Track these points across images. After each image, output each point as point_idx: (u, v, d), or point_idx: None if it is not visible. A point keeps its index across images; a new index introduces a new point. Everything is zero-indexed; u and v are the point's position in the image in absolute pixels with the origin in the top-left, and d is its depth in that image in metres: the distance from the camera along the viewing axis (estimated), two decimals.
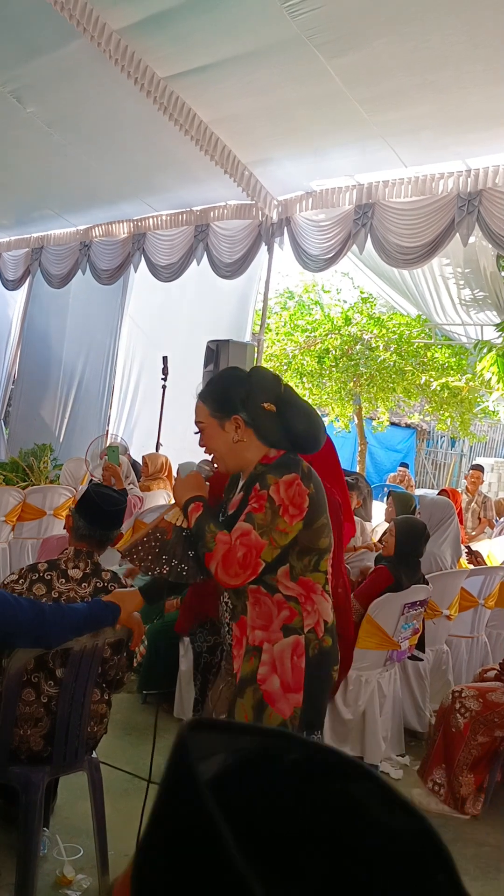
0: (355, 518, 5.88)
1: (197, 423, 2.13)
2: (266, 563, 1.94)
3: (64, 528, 6.13)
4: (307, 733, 2.05)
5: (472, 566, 4.89)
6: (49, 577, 2.59)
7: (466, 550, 4.91)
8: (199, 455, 7.10)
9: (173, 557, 2.05)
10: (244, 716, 1.93)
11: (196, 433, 2.18)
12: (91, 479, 7.46)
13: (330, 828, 0.47)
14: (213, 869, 0.45)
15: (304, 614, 2.00)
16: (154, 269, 8.19)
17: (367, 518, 6.46)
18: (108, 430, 8.91)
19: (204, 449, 2.20)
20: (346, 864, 0.46)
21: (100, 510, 2.69)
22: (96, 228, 8.89)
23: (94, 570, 2.67)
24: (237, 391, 2.08)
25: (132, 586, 2.52)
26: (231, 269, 7.46)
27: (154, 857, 0.51)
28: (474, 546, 6.11)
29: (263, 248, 7.34)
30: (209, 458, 2.19)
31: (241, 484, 2.11)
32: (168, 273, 8.04)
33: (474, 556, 4.90)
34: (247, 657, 1.96)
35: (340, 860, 0.46)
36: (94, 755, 2.74)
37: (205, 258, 7.67)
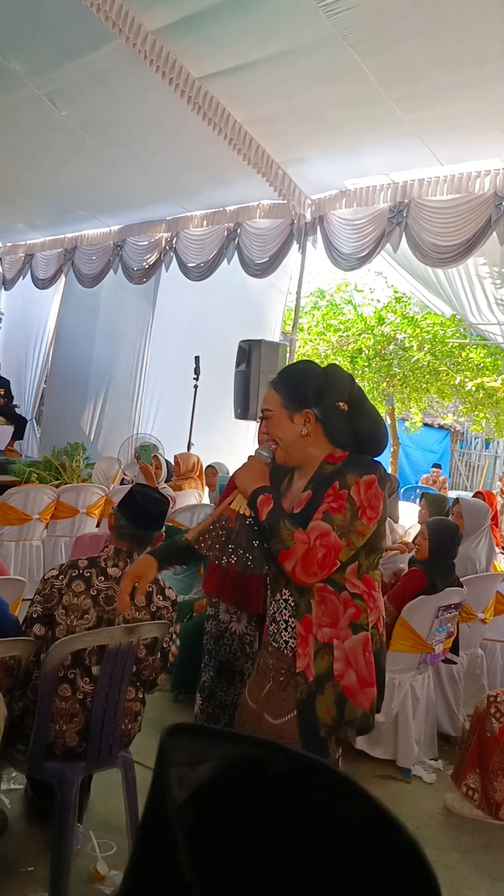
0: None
1: (265, 410, 2.10)
2: (340, 562, 1.95)
3: (96, 525, 6.20)
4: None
5: None
6: (89, 574, 2.61)
7: (503, 552, 4.86)
8: (226, 456, 7.11)
9: (239, 547, 2.06)
10: (326, 711, 1.96)
11: (260, 419, 2.15)
12: (123, 478, 7.51)
13: (311, 840, 0.46)
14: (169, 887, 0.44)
15: (368, 611, 2.02)
16: (185, 269, 8.21)
17: (395, 519, 6.42)
18: (136, 433, 8.96)
19: (266, 437, 2.18)
20: (325, 878, 0.45)
21: (143, 511, 2.71)
22: (130, 229, 8.94)
23: None
24: (313, 386, 2.05)
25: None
26: (261, 268, 7.45)
27: (126, 878, 0.52)
28: None
29: (295, 246, 7.32)
30: (250, 446, 2.19)
31: (304, 482, 2.08)
32: (198, 272, 8.06)
33: None
34: (318, 655, 1.97)
35: (319, 873, 0.45)
36: (128, 753, 2.75)
37: (235, 257, 7.67)
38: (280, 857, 0.46)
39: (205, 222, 8.06)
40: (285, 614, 2.07)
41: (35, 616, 2.59)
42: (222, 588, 3.35)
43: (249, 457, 2.15)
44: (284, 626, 2.07)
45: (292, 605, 2.04)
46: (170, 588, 2.80)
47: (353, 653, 1.97)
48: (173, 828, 0.45)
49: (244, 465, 2.14)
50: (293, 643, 2.02)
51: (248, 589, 3.32)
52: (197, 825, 0.46)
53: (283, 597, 2.07)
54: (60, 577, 2.60)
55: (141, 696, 2.75)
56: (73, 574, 2.60)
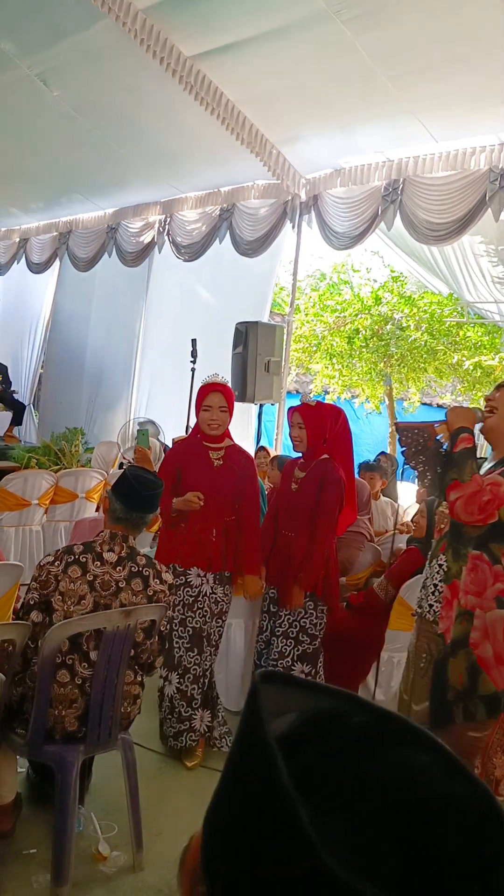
0: (384, 498, 5.87)
1: (488, 399, 2.43)
2: (500, 520, 2.11)
3: (96, 510, 6.20)
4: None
5: None
6: (84, 559, 2.61)
7: None
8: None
9: (427, 461, 2.40)
10: (458, 676, 2.04)
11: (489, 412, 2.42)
12: (122, 462, 7.51)
13: (390, 788, 0.48)
14: (271, 809, 0.47)
15: None
16: (177, 249, 8.15)
17: (395, 498, 6.42)
18: (132, 418, 8.94)
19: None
20: (401, 819, 0.47)
21: (136, 493, 2.69)
22: (124, 211, 8.88)
23: (129, 553, 2.69)
24: None
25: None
26: (252, 247, 7.38)
27: (222, 799, 0.54)
28: None
29: (289, 226, 7.27)
30: None
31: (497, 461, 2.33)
32: (190, 252, 8.00)
33: None
34: (458, 620, 2.05)
35: (397, 817, 0.47)
36: (127, 735, 2.77)
37: (227, 237, 7.62)
38: (364, 790, 0.48)
39: (199, 203, 8.00)
40: (436, 579, 2.20)
41: (32, 603, 2.60)
42: (182, 552, 3.46)
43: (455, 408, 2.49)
44: (433, 590, 2.22)
45: (445, 569, 2.15)
46: (166, 571, 2.80)
47: (493, 626, 2.04)
48: (272, 747, 0.48)
49: (458, 407, 2.50)
50: (437, 607, 2.12)
51: (208, 550, 3.46)
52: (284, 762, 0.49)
53: (439, 562, 2.23)
54: (56, 563, 2.60)
55: (140, 679, 2.76)
56: (69, 560, 2.60)
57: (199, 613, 3.48)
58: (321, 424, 3.57)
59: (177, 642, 3.48)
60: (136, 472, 2.81)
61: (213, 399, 3.51)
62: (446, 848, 0.46)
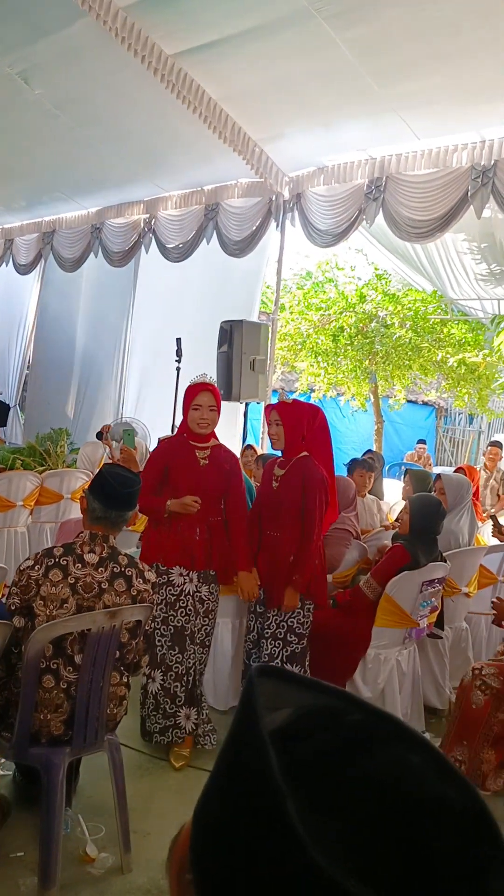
0: (370, 496, 5.88)
1: None
2: None
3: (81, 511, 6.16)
4: None
5: (497, 540, 4.85)
6: (65, 562, 2.57)
7: (494, 524, 4.88)
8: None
9: None
10: None
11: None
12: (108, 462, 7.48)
13: (383, 788, 0.48)
14: (260, 803, 0.47)
15: None
16: (164, 250, 8.14)
17: (380, 496, 6.44)
18: (122, 415, 8.90)
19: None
20: (394, 819, 0.47)
21: (115, 492, 2.67)
22: (108, 211, 8.85)
23: (110, 554, 2.66)
24: None
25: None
26: (239, 247, 7.39)
27: (212, 792, 0.54)
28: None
29: (275, 225, 7.27)
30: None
31: None
32: (178, 253, 7.99)
33: (501, 531, 4.84)
34: None
35: (390, 818, 0.47)
36: (114, 736, 2.76)
37: (214, 237, 7.61)
38: (358, 789, 0.48)
39: (182, 202, 7.98)
40: None
41: (13, 608, 2.56)
42: (166, 551, 3.46)
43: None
44: None
45: None
46: (149, 570, 2.78)
47: None
48: (265, 741, 0.48)
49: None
50: None
51: (192, 549, 3.46)
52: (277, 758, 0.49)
53: None
54: (36, 567, 2.56)
55: (126, 680, 2.75)
56: (49, 563, 2.56)
57: (182, 612, 3.47)
58: (298, 422, 3.58)
59: (159, 640, 3.47)
60: (114, 471, 2.78)
61: (202, 398, 3.51)
62: (438, 849, 0.46)
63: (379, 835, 0.46)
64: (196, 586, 3.51)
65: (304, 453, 3.59)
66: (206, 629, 3.61)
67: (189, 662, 3.51)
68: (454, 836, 0.46)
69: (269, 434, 3.69)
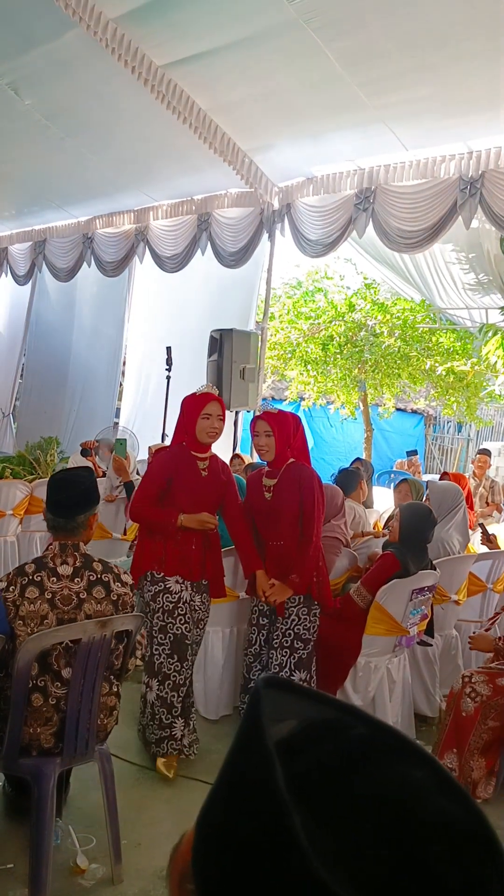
0: (349, 503, 5.89)
1: None
2: None
3: None
4: None
5: (486, 547, 4.87)
6: (39, 578, 2.51)
7: (482, 531, 4.90)
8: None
9: None
10: None
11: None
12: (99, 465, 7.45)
13: (385, 805, 0.48)
14: (265, 814, 0.47)
15: None
16: (159, 260, 8.15)
17: (370, 504, 6.44)
18: (116, 423, 8.90)
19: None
20: (394, 833, 0.47)
21: (63, 499, 2.61)
22: (98, 220, 8.87)
23: (84, 562, 2.60)
24: None
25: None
26: (235, 258, 7.42)
27: (216, 801, 0.54)
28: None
29: (266, 235, 7.30)
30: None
31: None
32: (173, 264, 8.00)
33: (489, 538, 4.87)
34: None
35: (393, 835, 0.47)
36: (104, 746, 2.74)
37: (209, 247, 7.63)
38: (362, 805, 0.48)
39: (172, 212, 8.01)
40: None
41: None
42: (164, 562, 3.43)
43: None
44: None
45: None
46: (125, 573, 2.74)
47: None
48: (271, 753, 0.49)
49: (474, 641, 2.74)
50: None
51: (190, 560, 3.46)
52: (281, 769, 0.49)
53: None
54: (11, 589, 2.48)
55: (116, 689, 2.73)
56: (23, 582, 2.50)
57: (181, 620, 3.44)
58: (287, 431, 3.61)
59: (156, 649, 3.44)
60: (59, 476, 2.71)
61: (212, 408, 3.49)
62: (437, 867, 0.46)
63: (383, 853, 0.46)
64: (191, 594, 3.50)
65: (292, 460, 3.62)
66: (198, 639, 3.61)
67: (188, 672, 3.49)
68: (454, 854, 0.47)
69: (257, 445, 3.67)
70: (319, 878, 0.44)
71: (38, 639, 2.41)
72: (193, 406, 3.51)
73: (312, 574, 3.58)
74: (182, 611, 3.45)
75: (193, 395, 3.57)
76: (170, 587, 3.44)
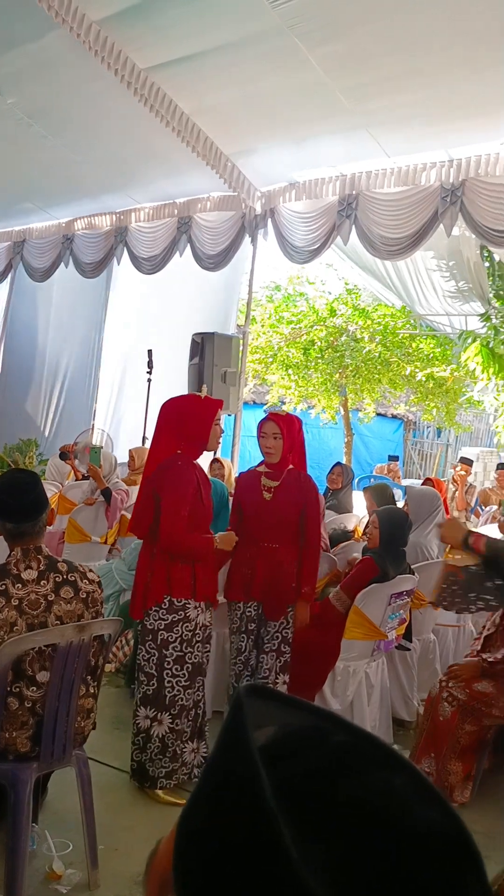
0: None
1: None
2: None
3: (48, 523, 6.11)
4: None
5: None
6: (3, 586, 2.46)
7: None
8: None
9: (479, 594, 2.45)
10: None
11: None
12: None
13: (366, 813, 0.49)
14: (251, 822, 0.47)
15: None
16: (136, 262, 8.14)
17: (350, 509, 6.47)
18: (93, 425, 8.86)
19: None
20: (377, 842, 0.47)
21: (16, 508, 2.56)
22: (79, 221, 8.83)
23: (48, 565, 2.55)
24: None
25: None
26: (214, 261, 7.43)
27: (199, 807, 0.54)
28: None
29: (247, 239, 7.31)
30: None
31: None
32: (150, 265, 8.00)
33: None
34: None
35: (375, 844, 0.47)
36: (82, 751, 2.73)
37: (188, 250, 7.63)
38: (344, 814, 0.48)
39: (154, 214, 8.00)
40: None
41: None
42: (195, 588, 3.22)
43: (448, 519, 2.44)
44: None
45: None
46: (91, 570, 2.71)
47: None
48: (255, 761, 0.49)
49: (444, 525, 2.64)
50: None
51: (212, 585, 3.32)
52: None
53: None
54: None
55: (93, 691, 2.71)
56: None
57: (199, 647, 3.27)
58: (294, 433, 3.61)
59: (169, 682, 3.20)
60: (6, 483, 2.63)
61: (219, 414, 3.43)
62: (419, 875, 0.46)
63: (366, 862, 0.46)
64: (206, 619, 3.32)
65: (291, 466, 3.63)
66: (208, 656, 3.41)
67: (198, 696, 3.32)
68: (435, 862, 0.47)
69: (264, 446, 3.58)
70: (308, 888, 0.44)
71: (14, 644, 2.39)
72: (206, 411, 3.29)
73: (316, 581, 3.63)
74: (199, 637, 3.25)
75: (198, 398, 3.36)
76: (189, 615, 3.21)
